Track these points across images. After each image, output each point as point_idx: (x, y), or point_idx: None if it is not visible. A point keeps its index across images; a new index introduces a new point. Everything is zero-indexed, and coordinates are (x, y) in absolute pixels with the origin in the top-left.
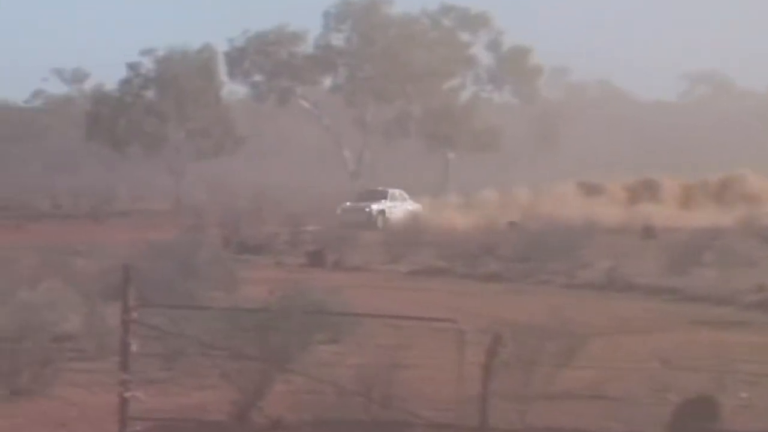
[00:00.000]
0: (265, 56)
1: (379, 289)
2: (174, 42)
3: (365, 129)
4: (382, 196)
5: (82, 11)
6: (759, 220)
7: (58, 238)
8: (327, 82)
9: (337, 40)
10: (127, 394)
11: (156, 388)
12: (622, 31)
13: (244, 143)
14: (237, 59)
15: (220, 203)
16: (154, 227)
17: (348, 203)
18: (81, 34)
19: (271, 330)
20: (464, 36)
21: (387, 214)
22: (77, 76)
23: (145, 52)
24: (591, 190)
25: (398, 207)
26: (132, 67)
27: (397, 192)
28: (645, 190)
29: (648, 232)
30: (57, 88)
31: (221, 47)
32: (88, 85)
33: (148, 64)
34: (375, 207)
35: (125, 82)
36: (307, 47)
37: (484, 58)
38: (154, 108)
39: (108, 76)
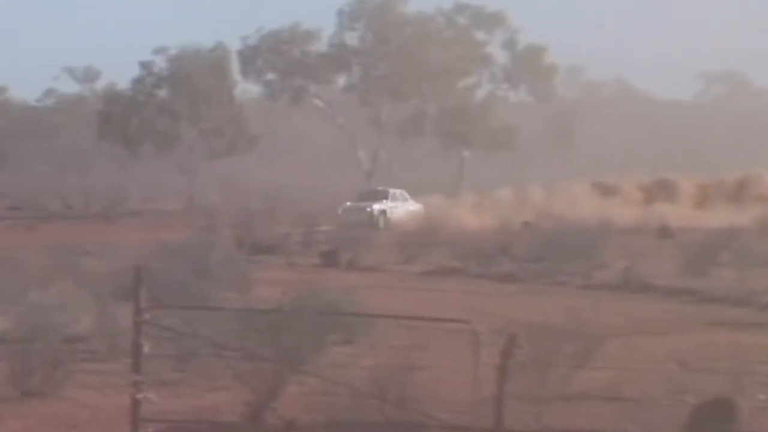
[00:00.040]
0: (279, 55)
1: (393, 289)
2: (187, 40)
3: (380, 128)
4: (383, 196)
5: (94, 9)
6: None
7: (69, 238)
8: (341, 80)
9: (352, 38)
10: (139, 396)
11: (168, 389)
12: (638, 30)
13: (257, 142)
14: (250, 58)
15: (233, 203)
16: (166, 227)
17: (348, 203)
18: (93, 32)
19: (285, 331)
20: (479, 34)
21: (388, 215)
22: (89, 75)
23: (158, 51)
24: (606, 190)
25: (399, 207)
26: (144, 65)
27: (398, 192)
28: (660, 190)
29: (665, 232)
30: (69, 86)
31: (234, 46)
32: (100, 84)
33: (160, 63)
34: (376, 207)
35: (137, 81)
36: (321, 46)
37: (500, 56)
38: (167, 107)
39: (120, 74)
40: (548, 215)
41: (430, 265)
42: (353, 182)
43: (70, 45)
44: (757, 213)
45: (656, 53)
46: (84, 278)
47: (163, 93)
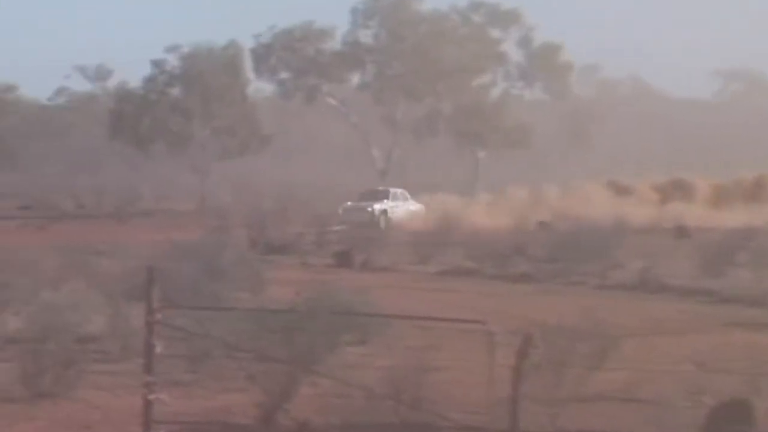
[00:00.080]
0: (292, 53)
1: (407, 289)
2: (199, 38)
3: (394, 127)
4: (384, 195)
5: (105, 7)
6: None
7: (81, 238)
8: (355, 79)
9: (366, 36)
10: (152, 397)
11: (181, 390)
12: (654, 28)
13: (270, 142)
14: (263, 56)
15: (245, 203)
16: (178, 227)
17: (349, 203)
18: (105, 30)
19: (298, 331)
20: (494, 32)
21: (389, 214)
22: (101, 74)
23: (170, 49)
24: (620, 189)
25: (400, 207)
26: (156, 64)
27: (398, 191)
28: (675, 190)
29: (682, 232)
30: (80, 85)
31: (247, 44)
32: (111, 83)
33: (172, 61)
34: (378, 207)
35: (150, 80)
36: (334, 44)
37: (515, 54)
38: (179, 106)
39: (132, 73)
40: (564, 215)
41: (444, 266)
42: (367, 182)
43: (81, 43)
44: None
45: (672, 51)
46: (96, 278)
47: (175, 91)
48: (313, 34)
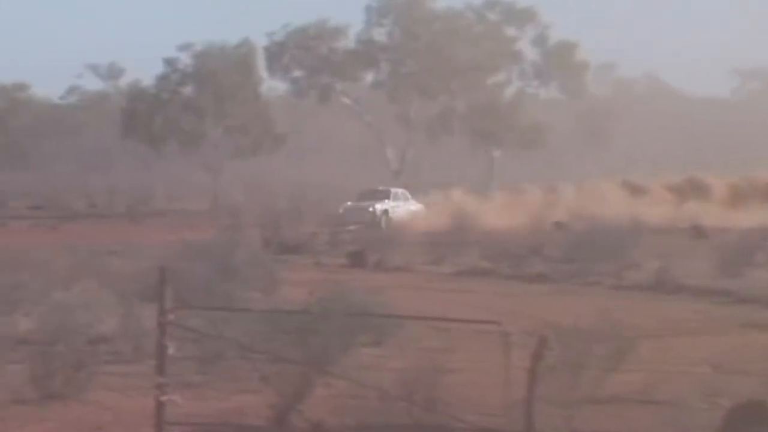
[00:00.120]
0: (306, 51)
1: (422, 290)
2: (212, 37)
3: (408, 126)
4: (385, 195)
5: (118, 6)
6: None
7: (93, 238)
8: (369, 77)
9: (379, 35)
10: (164, 398)
11: (193, 391)
12: (671, 26)
13: (284, 141)
14: (276, 54)
15: (258, 202)
16: (191, 227)
17: (350, 203)
18: (117, 29)
19: (312, 332)
20: (510, 30)
21: (390, 214)
22: (113, 72)
23: (183, 48)
24: (636, 189)
25: (401, 207)
26: (169, 62)
27: (399, 191)
28: (691, 189)
29: (698, 232)
30: (92, 84)
31: (260, 42)
32: (124, 81)
33: (185, 60)
34: (379, 207)
35: (162, 78)
36: (348, 42)
37: (530, 53)
38: (192, 104)
39: (144, 71)
40: (579, 215)
41: (459, 266)
42: (381, 181)
43: (93, 42)
44: None
45: (689, 50)
46: (108, 278)
47: (187, 90)
48: (326, 33)
